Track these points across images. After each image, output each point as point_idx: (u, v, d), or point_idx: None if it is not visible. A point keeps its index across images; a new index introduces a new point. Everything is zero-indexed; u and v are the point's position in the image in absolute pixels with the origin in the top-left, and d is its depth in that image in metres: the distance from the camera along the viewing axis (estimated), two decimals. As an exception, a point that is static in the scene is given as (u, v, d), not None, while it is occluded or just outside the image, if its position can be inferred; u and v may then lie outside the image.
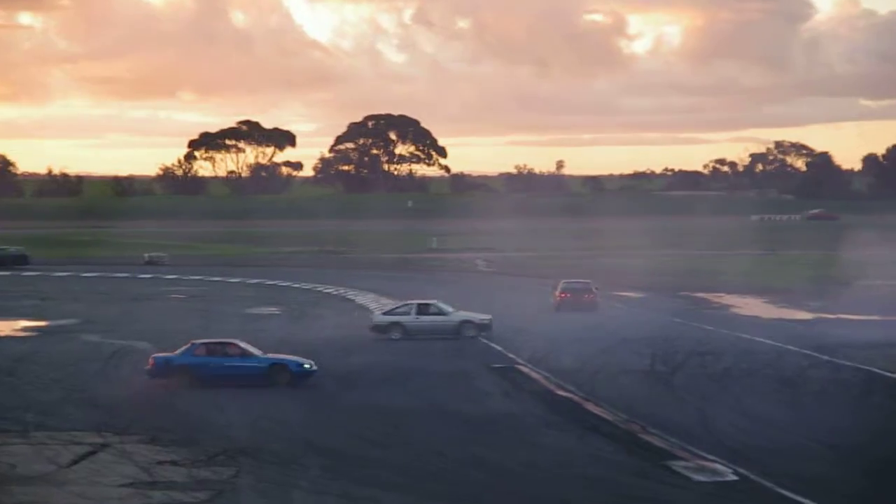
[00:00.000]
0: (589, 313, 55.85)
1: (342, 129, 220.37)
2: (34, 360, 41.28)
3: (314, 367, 36.34)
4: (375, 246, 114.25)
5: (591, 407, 32.49)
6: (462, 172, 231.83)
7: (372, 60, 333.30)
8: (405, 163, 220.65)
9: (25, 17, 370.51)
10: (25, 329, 51.87)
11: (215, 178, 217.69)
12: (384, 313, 48.84)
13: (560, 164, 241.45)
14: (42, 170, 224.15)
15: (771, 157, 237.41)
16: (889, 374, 38.61)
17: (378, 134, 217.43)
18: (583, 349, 43.31)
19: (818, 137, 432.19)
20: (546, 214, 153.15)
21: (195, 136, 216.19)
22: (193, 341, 36.85)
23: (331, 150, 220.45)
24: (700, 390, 35.06)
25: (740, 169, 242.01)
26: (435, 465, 25.90)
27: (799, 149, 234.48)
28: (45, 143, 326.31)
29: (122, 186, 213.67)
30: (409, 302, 49.41)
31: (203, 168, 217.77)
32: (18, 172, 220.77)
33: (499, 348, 43.87)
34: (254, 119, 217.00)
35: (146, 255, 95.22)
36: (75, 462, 25.85)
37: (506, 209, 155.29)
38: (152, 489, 23.46)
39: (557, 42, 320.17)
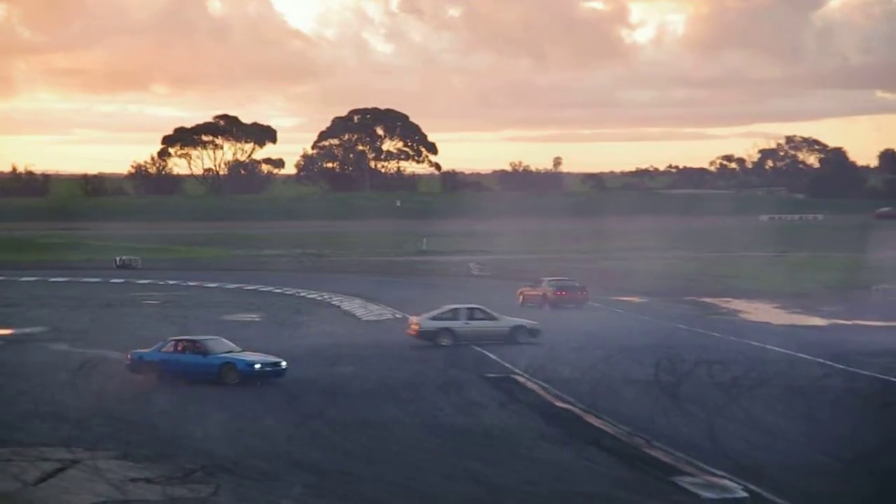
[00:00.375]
0: (577, 311, 58.78)
1: (326, 125, 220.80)
2: (-2, 371, 41.19)
3: (268, 368, 37.95)
4: (361, 248, 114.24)
5: (591, 419, 32.50)
6: (453, 170, 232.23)
7: (358, 51, 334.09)
8: (393, 160, 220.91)
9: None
10: (-11, 338, 51.72)
11: (191, 176, 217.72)
12: (432, 318, 48.42)
13: (558, 161, 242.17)
14: (6, 168, 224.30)
15: (781, 153, 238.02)
16: (908, 384, 38.69)
17: (364, 129, 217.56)
18: (582, 358, 43.32)
19: (832, 132, 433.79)
20: (543, 214, 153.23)
21: (169, 132, 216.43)
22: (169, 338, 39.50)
23: (314, 147, 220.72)
24: (707, 401, 35.07)
25: (749, 166, 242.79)
26: (425, 481, 25.88)
27: (811, 144, 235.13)
28: (8, 140, 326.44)
29: (91, 185, 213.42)
30: (455, 306, 49.55)
31: (178, 166, 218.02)
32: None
33: (493, 357, 43.86)
34: (232, 113, 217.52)
35: (118, 258, 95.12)
36: (43, 480, 25.78)
37: (500, 209, 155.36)
38: (125, 508, 23.42)
39: (555, 31, 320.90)
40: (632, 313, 61.17)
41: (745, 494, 24.77)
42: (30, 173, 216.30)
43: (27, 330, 53.63)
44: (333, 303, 65.69)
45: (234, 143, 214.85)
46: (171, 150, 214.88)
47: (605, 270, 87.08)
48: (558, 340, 47.97)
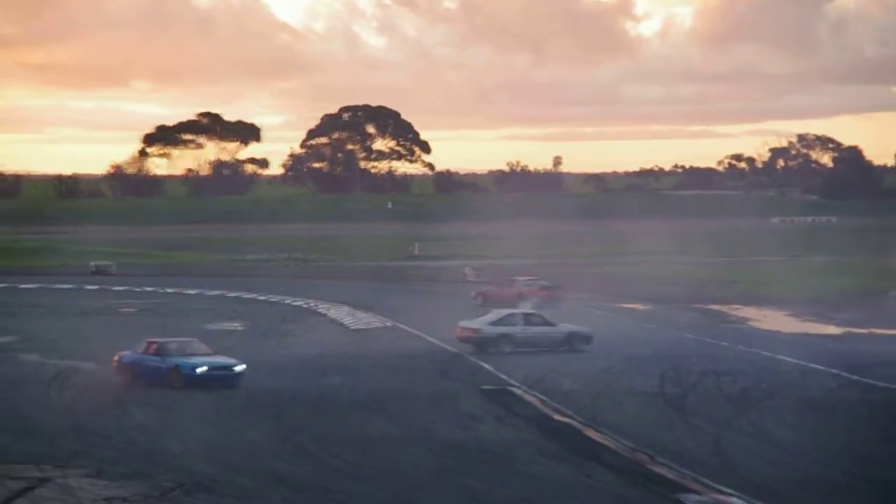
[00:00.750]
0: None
1: (314, 122, 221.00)
2: (-35, 383, 41.09)
3: (217, 371, 39.08)
4: (351, 253, 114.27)
5: (592, 434, 32.46)
6: (448, 170, 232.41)
7: (348, 45, 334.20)
8: (384, 159, 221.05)
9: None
10: (-45, 348, 51.61)
11: (172, 177, 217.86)
12: (491, 323, 48.33)
13: (558, 161, 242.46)
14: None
15: (793, 153, 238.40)
16: (927, 396, 38.69)
17: (354, 127, 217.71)
18: (583, 368, 43.32)
19: (846, 130, 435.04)
20: (543, 217, 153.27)
21: (149, 130, 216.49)
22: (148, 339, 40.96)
23: (301, 146, 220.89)
24: (715, 414, 35.06)
25: (759, 165, 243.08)
26: (417, 499, 25.83)
27: (825, 142, 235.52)
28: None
29: (66, 187, 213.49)
30: (511, 311, 49.62)
31: (158, 166, 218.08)
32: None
33: (489, 368, 43.84)
34: (215, 111, 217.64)
35: (93, 264, 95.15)
36: (10, 500, 25.68)
37: (497, 211, 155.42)
38: (98, 529, 23.35)
39: (555, 24, 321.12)
40: (636, 321, 61.20)
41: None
42: (0, 174, 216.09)
43: (-4, 340, 53.52)
44: (320, 311, 65.69)
45: (217, 141, 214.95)
46: (151, 150, 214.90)
47: (607, 276, 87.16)
48: (555, 349, 47.93)
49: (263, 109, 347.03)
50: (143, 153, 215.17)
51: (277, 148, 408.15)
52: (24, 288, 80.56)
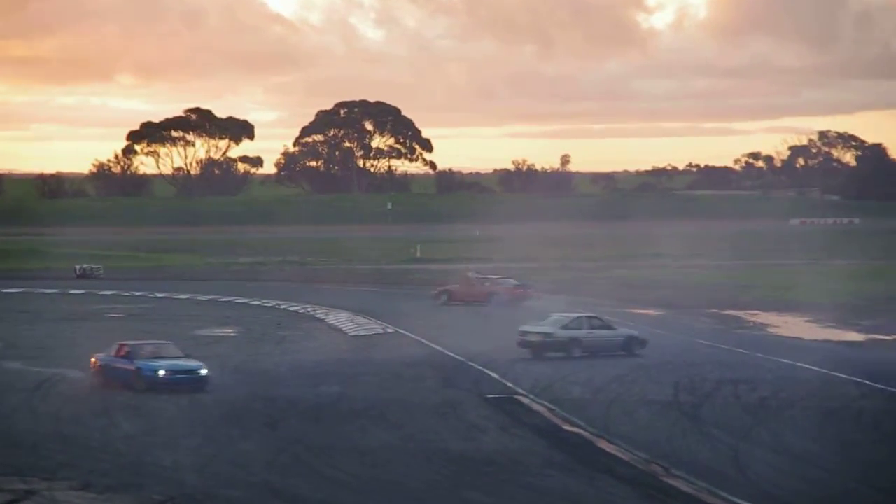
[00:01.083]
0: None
1: (309, 119, 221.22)
2: (-55, 392, 41.18)
3: (180, 375, 39.93)
4: (348, 256, 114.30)
5: (603, 445, 32.51)
6: (450, 169, 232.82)
7: (345, 37, 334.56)
8: (383, 158, 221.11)
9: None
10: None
11: (159, 176, 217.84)
12: (563, 327, 48.88)
13: (565, 160, 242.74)
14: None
15: (814, 151, 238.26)
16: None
17: (351, 124, 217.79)
18: (593, 376, 43.38)
19: (869, 126, 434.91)
20: (549, 218, 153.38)
21: (136, 127, 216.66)
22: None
23: (295, 144, 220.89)
24: (732, 425, 35.10)
25: (777, 164, 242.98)
26: (420, 513, 25.89)
27: (847, 140, 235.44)
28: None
29: (49, 186, 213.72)
30: (577, 314, 50.01)
31: (145, 165, 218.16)
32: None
33: (495, 375, 43.89)
34: (205, 107, 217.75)
35: (78, 267, 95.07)
36: (-6, 512, 25.77)
37: (502, 212, 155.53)
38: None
39: (562, 16, 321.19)
40: (648, 327, 61.18)
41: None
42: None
43: (-23, 347, 53.57)
44: (318, 316, 65.72)
45: (207, 139, 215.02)
46: (138, 148, 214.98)
47: (618, 280, 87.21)
48: (564, 356, 48.01)
49: (256, 105, 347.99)
50: (128, 151, 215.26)
51: (271, 146, 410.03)
52: (6, 292, 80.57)
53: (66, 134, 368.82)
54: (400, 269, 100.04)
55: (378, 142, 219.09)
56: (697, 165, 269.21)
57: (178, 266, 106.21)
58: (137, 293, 79.34)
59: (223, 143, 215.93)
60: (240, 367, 46.00)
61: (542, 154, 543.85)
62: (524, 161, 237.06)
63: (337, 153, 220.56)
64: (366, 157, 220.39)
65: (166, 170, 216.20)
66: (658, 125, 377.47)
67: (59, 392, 40.56)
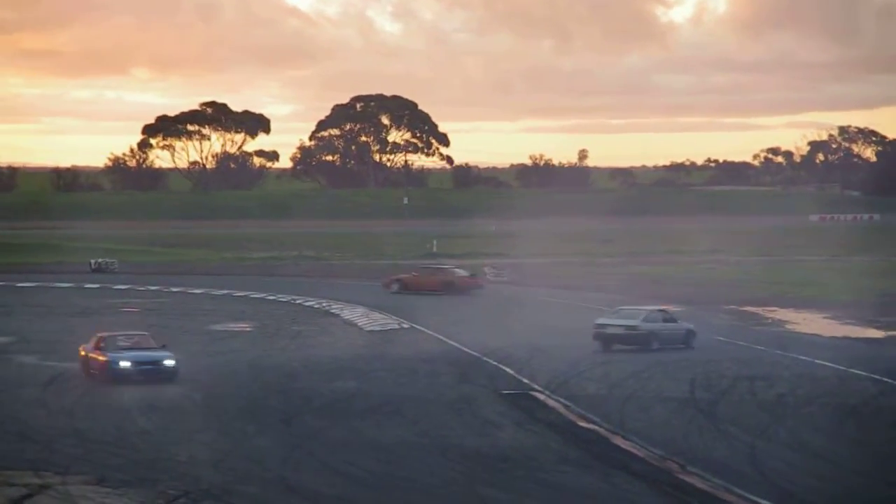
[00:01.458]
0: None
1: (325, 113, 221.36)
2: (-40, 386, 41.38)
3: (146, 366, 40.53)
4: (364, 250, 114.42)
5: (619, 441, 32.56)
6: (467, 164, 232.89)
7: (361, 31, 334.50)
8: (400, 152, 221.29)
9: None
10: (-51, 350, 51.90)
11: (175, 170, 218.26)
12: (643, 320, 49.42)
13: (583, 155, 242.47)
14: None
15: (834, 146, 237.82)
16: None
17: (368, 118, 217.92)
18: (610, 373, 43.44)
19: (891, 121, 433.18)
20: (567, 214, 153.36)
21: (151, 121, 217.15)
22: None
23: (311, 138, 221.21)
24: (749, 422, 35.11)
25: (797, 159, 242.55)
26: (434, 509, 25.97)
27: (867, 135, 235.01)
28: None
29: (64, 180, 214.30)
30: (650, 307, 50.51)
31: (160, 159, 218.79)
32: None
33: (510, 371, 43.97)
34: (221, 100, 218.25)
35: (93, 261, 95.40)
36: (8, 507, 25.90)
37: (519, 207, 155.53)
38: (100, 538, 23.52)
39: (581, 9, 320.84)
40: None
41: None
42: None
43: (-9, 341, 53.81)
44: (333, 311, 65.86)
45: (222, 133, 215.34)
46: (153, 141, 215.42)
47: (636, 276, 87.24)
48: (581, 352, 48.10)
49: (272, 99, 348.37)
50: (143, 145, 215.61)
51: (287, 140, 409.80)
52: (20, 286, 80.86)
53: (81, 127, 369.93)
54: (416, 265, 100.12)
55: (394, 136, 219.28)
56: (716, 161, 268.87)
57: (193, 260, 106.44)
58: (152, 287, 79.60)
59: (239, 137, 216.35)
60: (253, 362, 46.15)
61: (560, 149, 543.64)
62: (541, 156, 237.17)
63: (353, 147, 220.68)
64: (382, 151, 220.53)
65: (182, 164, 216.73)
66: (677, 120, 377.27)
67: (73, 386, 40.73)
